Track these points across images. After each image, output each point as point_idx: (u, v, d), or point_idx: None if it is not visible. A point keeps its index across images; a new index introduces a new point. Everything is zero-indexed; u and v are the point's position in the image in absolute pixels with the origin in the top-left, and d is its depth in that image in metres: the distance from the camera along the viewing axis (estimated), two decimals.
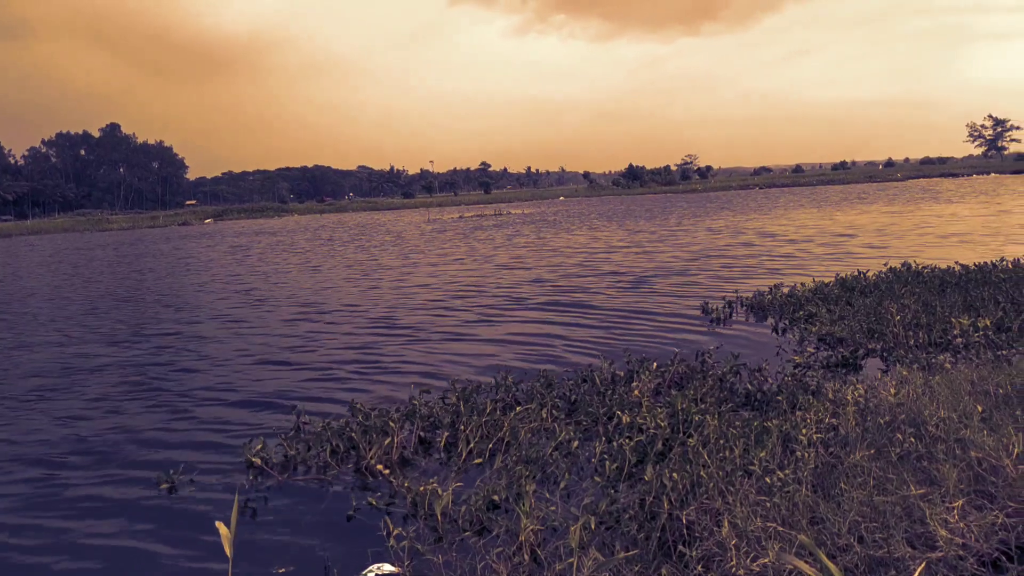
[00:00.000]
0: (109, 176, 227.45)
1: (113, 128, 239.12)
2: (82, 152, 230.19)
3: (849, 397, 6.28)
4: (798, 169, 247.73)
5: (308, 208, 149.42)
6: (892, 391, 5.90)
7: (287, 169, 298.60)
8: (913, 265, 15.97)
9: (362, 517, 6.30)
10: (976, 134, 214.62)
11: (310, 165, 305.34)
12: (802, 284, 15.38)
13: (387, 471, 6.92)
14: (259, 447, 7.54)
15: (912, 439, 5.13)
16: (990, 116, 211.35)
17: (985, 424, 5.12)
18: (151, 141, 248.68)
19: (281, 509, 6.64)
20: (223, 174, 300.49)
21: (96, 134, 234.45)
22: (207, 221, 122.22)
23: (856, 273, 15.66)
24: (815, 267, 20.71)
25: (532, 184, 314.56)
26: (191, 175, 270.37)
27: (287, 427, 8.79)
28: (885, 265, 16.37)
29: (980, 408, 5.29)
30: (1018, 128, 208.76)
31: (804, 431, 5.51)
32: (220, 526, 3.66)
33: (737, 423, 6.98)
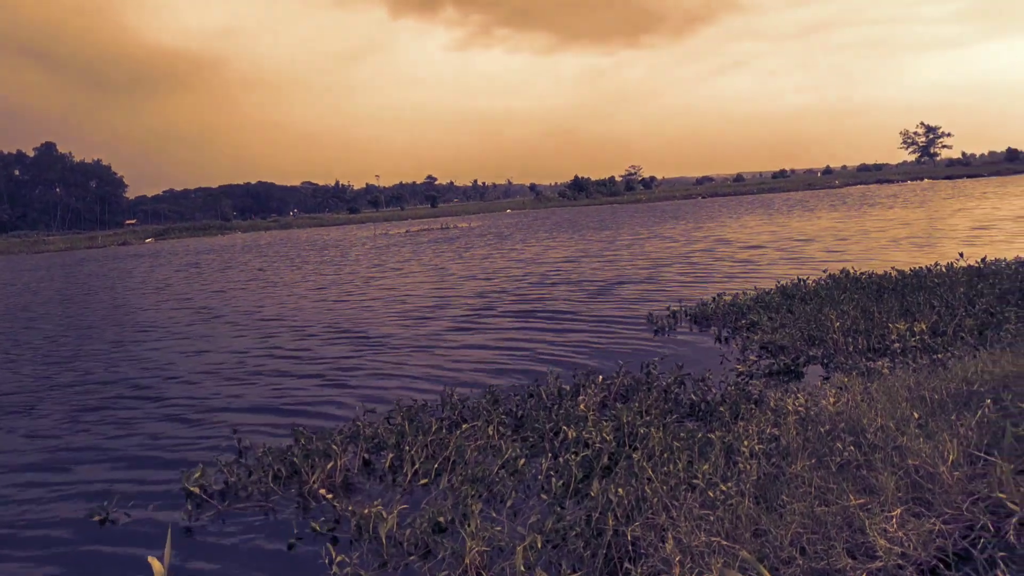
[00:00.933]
0: (45, 196, 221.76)
1: (49, 147, 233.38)
2: (16, 172, 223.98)
3: (790, 407, 6.34)
4: (739, 178, 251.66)
5: (252, 225, 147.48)
6: (832, 400, 5.96)
7: (230, 186, 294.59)
8: (852, 271, 16.28)
9: (305, 544, 6.15)
10: (910, 141, 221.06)
11: (253, 182, 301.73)
12: (744, 292, 15.60)
13: (330, 495, 6.78)
14: (198, 475, 7.33)
15: (851, 448, 5.19)
16: (922, 124, 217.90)
17: (922, 431, 5.20)
18: (88, 160, 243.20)
19: (221, 539, 6.46)
20: (164, 192, 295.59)
21: (31, 153, 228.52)
22: (148, 241, 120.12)
23: (796, 280, 15.91)
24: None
25: (479, 197, 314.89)
26: (131, 194, 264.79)
27: (231, 451, 8.61)
28: (825, 272, 16.67)
29: (917, 415, 5.37)
30: (949, 135, 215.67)
31: (746, 443, 5.54)
32: (153, 562, 3.53)
33: (682, 435, 7.00)
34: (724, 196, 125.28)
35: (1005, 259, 16.70)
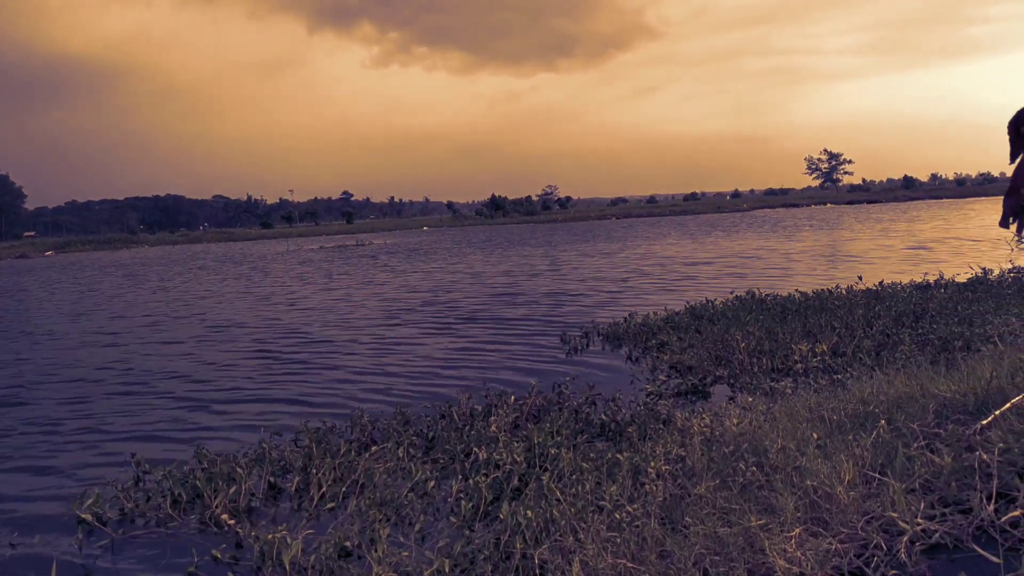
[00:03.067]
0: None
1: None
2: None
3: (696, 427, 6.45)
4: (652, 199, 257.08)
5: (160, 239, 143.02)
6: (735, 421, 6.08)
7: (137, 199, 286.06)
8: (757, 293, 16.74)
9: (204, 573, 5.93)
10: (813, 167, 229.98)
11: (162, 194, 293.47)
12: (654, 313, 15.85)
13: (233, 521, 6.57)
14: (91, 501, 7.01)
15: (754, 468, 5.30)
16: (825, 151, 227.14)
17: (821, 451, 5.34)
18: None
19: (115, 570, 6.17)
20: (66, 204, 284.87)
21: None
22: (48, 253, 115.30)
23: (704, 301, 16.27)
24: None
25: (396, 214, 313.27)
26: (30, 204, 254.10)
27: (130, 475, 8.26)
28: (731, 293, 17.10)
29: (816, 435, 5.53)
30: (850, 162, 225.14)
31: (653, 464, 5.60)
32: None
33: (591, 455, 7.06)
34: (638, 217, 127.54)
35: (900, 282, 17.42)
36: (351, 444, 8.33)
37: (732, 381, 10.73)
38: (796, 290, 17.13)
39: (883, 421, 5.48)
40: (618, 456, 6.17)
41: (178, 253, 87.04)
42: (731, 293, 17.12)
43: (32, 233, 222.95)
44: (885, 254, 32.02)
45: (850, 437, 5.71)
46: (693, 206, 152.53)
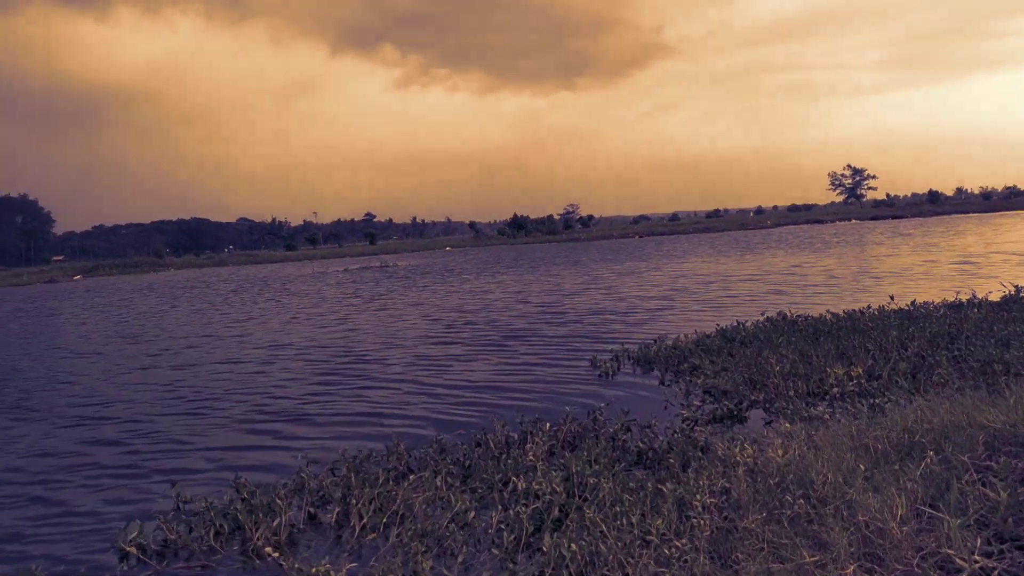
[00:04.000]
0: None
1: None
2: None
3: (739, 458, 6.40)
4: (675, 217, 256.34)
5: (186, 263, 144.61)
6: (780, 452, 6.04)
7: (163, 222, 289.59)
8: (788, 314, 16.62)
9: None
10: (837, 183, 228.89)
11: (187, 218, 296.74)
12: (685, 336, 15.78)
13: (276, 553, 6.60)
14: (135, 533, 7.07)
15: (801, 501, 5.25)
16: (849, 166, 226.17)
17: (868, 483, 5.29)
18: (13, 194, 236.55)
19: None
20: (94, 228, 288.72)
21: None
22: (76, 277, 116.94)
23: (735, 323, 16.18)
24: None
25: (418, 234, 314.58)
26: (59, 229, 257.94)
27: (171, 505, 8.35)
28: (763, 315, 17.00)
29: (863, 467, 5.47)
30: (874, 177, 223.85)
31: (699, 497, 5.56)
32: None
33: (631, 484, 7.04)
34: (662, 235, 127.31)
35: (932, 302, 17.24)
36: (389, 473, 8.35)
37: (767, 405, 10.66)
38: (827, 311, 17.00)
39: (931, 453, 5.42)
40: (662, 487, 6.12)
41: (205, 276, 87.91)
42: (762, 315, 16.99)
43: (61, 257, 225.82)
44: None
45: (897, 467, 5.66)
46: (716, 223, 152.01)
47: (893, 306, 17.01)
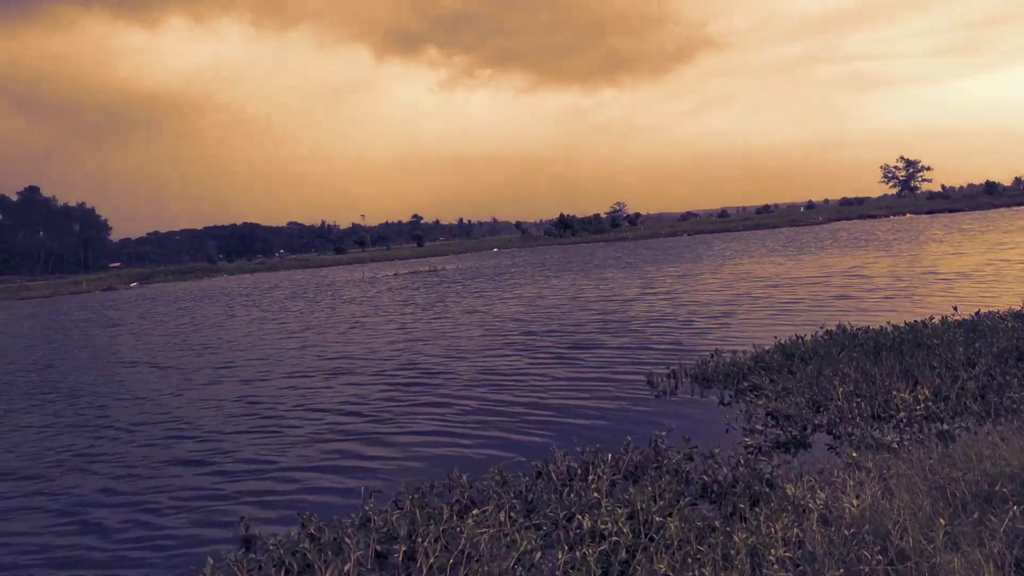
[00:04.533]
0: (28, 240, 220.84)
1: (32, 191, 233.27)
2: None
3: (811, 504, 6.30)
4: (723, 213, 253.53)
5: (238, 267, 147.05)
6: (854, 501, 5.93)
7: (215, 227, 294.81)
8: (848, 327, 16.32)
9: None
10: (890, 175, 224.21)
11: (239, 223, 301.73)
12: (744, 351, 15.59)
13: None
14: (208, 574, 7.19)
15: (879, 556, 5.15)
16: (902, 158, 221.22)
17: (948, 537, 5.18)
18: (72, 203, 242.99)
19: None
20: (148, 235, 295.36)
21: (14, 197, 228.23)
22: (132, 285, 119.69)
23: (795, 337, 15.94)
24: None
25: (465, 235, 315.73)
26: (115, 236, 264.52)
27: (233, 541, 8.52)
28: (821, 328, 16.72)
29: (943, 520, 5.34)
30: (929, 169, 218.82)
31: (772, 551, 5.49)
32: None
33: (698, 523, 7.00)
34: (711, 232, 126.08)
35: (999, 311, 16.81)
36: (452, 507, 8.40)
37: (832, 429, 10.49)
38: (889, 322, 16.66)
39: (1015, 508, 5.27)
40: (734, 536, 6.05)
41: (258, 282, 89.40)
42: (821, 328, 16.69)
43: (117, 264, 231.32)
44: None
45: (976, 516, 5.53)
46: (766, 219, 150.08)
47: (957, 317, 16.63)
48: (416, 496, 8.82)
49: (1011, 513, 5.23)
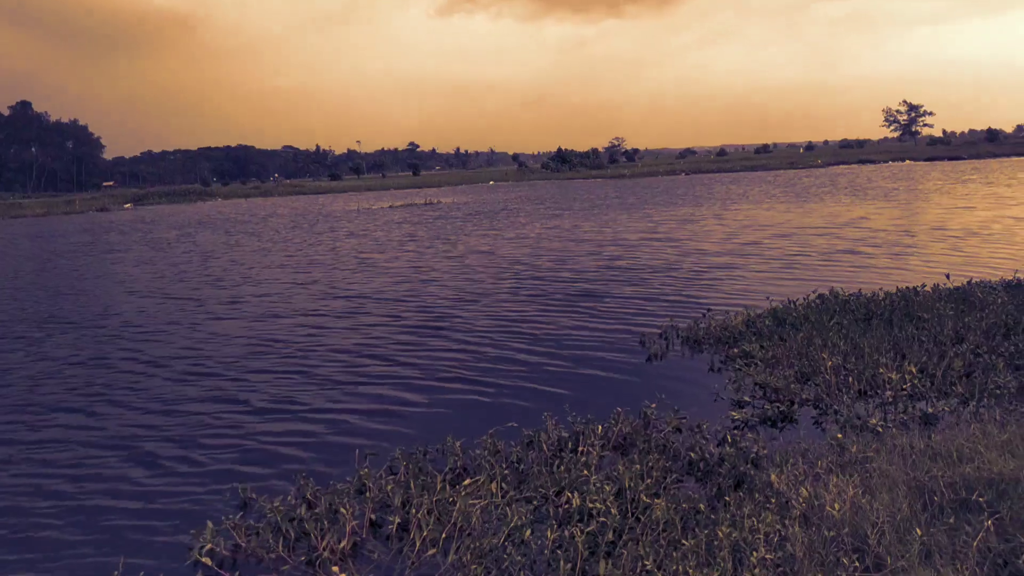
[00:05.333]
0: (21, 156, 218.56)
1: (24, 106, 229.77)
2: None
3: (794, 502, 6.51)
4: (722, 152, 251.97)
5: (232, 191, 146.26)
6: (836, 506, 6.12)
7: (209, 149, 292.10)
8: (840, 293, 16.45)
9: None
10: (892, 119, 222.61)
11: (233, 145, 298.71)
12: (737, 312, 15.75)
13: (343, 574, 6.90)
14: (208, 543, 7.41)
15: (857, 563, 5.37)
16: (905, 102, 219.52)
17: (924, 547, 5.39)
18: (65, 119, 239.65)
19: None
20: (142, 154, 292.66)
21: (5, 112, 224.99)
22: (127, 206, 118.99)
23: (787, 302, 16.10)
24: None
25: (461, 165, 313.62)
26: (108, 155, 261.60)
27: (231, 497, 8.81)
28: (813, 292, 16.87)
29: (919, 531, 5.55)
30: (931, 114, 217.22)
31: (754, 554, 5.70)
32: None
33: (684, 505, 7.25)
34: (709, 172, 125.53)
35: (990, 281, 16.95)
36: (445, 477, 8.64)
37: (818, 404, 10.71)
38: (880, 289, 16.84)
39: (989, 522, 5.47)
40: (719, 530, 6.27)
41: (255, 208, 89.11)
42: (814, 292, 16.84)
43: (111, 183, 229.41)
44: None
45: (952, 520, 5.75)
46: (765, 160, 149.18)
47: (949, 284, 16.78)
48: (410, 464, 9.05)
49: (986, 525, 5.43)
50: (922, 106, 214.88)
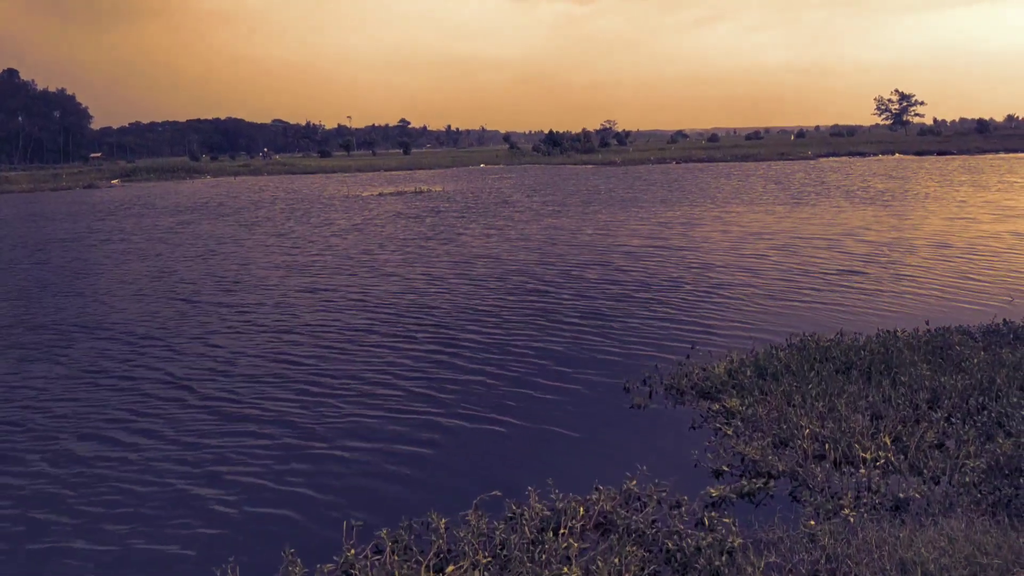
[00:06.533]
0: (7, 125, 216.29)
1: (11, 74, 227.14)
2: None
3: None
4: (713, 137, 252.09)
5: (221, 168, 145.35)
6: None
7: (198, 121, 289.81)
8: (820, 340, 16.66)
9: None
10: (883, 108, 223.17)
11: (223, 117, 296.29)
12: (718, 361, 15.93)
13: None
14: None
15: None
16: (896, 91, 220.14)
17: None
18: (52, 89, 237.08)
19: None
20: (130, 124, 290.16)
21: None
22: (114, 182, 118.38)
23: (769, 349, 16.33)
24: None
25: (452, 143, 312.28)
26: (96, 124, 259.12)
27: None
28: (797, 336, 17.14)
29: None
30: (922, 103, 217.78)
31: None
32: None
33: None
34: (699, 162, 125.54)
35: (969, 329, 17.23)
36: (429, 562, 8.88)
37: (795, 475, 10.97)
38: (857, 334, 17.17)
39: None
40: None
41: (246, 188, 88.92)
42: (790, 339, 17.09)
43: (98, 154, 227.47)
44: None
45: None
46: (755, 150, 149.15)
47: (929, 329, 17.10)
48: (395, 544, 9.28)
49: None
50: (913, 95, 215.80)
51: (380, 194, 75.60)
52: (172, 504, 11.15)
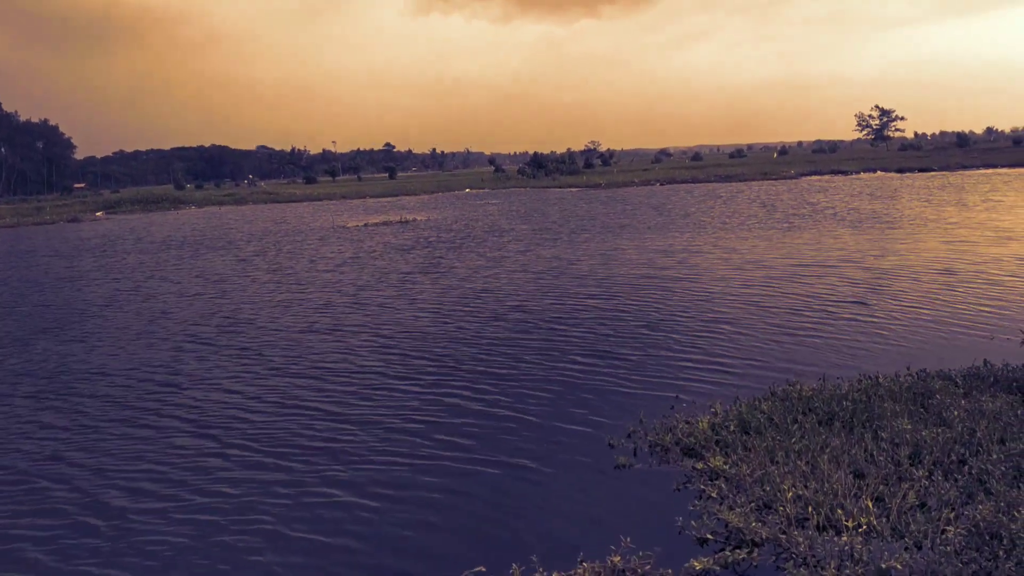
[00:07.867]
0: None
1: None
2: None
3: None
4: (696, 156, 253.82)
5: (206, 198, 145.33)
6: None
7: (182, 148, 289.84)
8: (802, 390, 16.74)
9: None
10: (864, 124, 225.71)
11: (207, 144, 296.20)
12: (701, 416, 15.96)
13: None
14: None
15: None
16: (877, 107, 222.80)
17: None
18: (35, 119, 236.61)
19: None
20: (114, 153, 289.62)
21: None
22: (99, 214, 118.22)
23: (752, 402, 16.41)
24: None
25: (438, 166, 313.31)
26: (79, 154, 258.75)
27: None
28: (776, 385, 17.24)
29: None
30: (903, 119, 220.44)
31: None
32: None
33: None
34: (683, 183, 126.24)
35: (950, 372, 17.34)
36: None
37: (779, 545, 11.01)
38: (839, 379, 17.30)
39: None
40: None
41: (233, 220, 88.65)
42: (772, 390, 17.15)
43: (82, 185, 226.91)
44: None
45: None
46: (738, 169, 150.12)
47: (910, 375, 17.21)
48: None
49: None
50: (893, 111, 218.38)
51: (367, 224, 75.56)
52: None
